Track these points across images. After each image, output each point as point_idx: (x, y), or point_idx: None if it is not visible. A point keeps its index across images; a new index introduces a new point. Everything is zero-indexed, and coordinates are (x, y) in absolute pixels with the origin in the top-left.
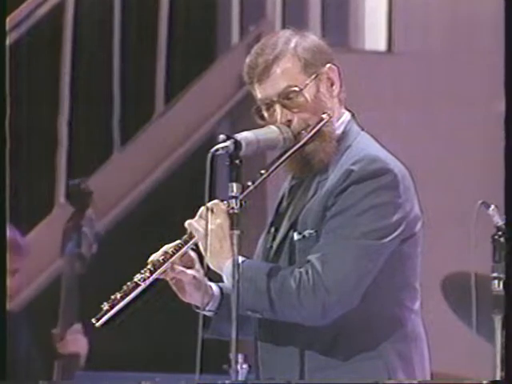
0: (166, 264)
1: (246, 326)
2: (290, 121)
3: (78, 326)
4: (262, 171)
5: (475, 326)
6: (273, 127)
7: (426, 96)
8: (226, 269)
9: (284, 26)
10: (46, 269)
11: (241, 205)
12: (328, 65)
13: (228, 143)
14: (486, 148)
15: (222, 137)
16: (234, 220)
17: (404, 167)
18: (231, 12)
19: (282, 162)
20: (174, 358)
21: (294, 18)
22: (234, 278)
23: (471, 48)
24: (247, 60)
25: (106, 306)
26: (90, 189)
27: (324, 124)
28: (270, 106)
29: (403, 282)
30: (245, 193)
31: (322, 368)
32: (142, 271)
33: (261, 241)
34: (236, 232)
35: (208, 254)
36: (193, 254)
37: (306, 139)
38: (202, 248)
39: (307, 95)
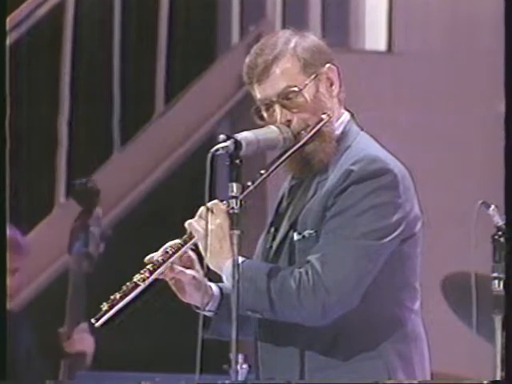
0: (165, 264)
1: (246, 326)
2: (289, 121)
3: (84, 325)
4: (262, 171)
5: (475, 326)
6: (273, 127)
7: (425, 96)
8: (225, 269)
9: (284, 26)
10: (46, 268)
11: (241, 205)
12: (327, 65)
13: (228, 143)
14: (485, 148)
15: (222, 137)
16: (233, 220)
17: (404, 167)
18: (231, 12)
19: (281, 162)
20: (173, 358)
21: (294, 18)
22: (233, 278)
23: (471, 48)
24: (247, 60)
25: (105, 307)
26: (97, 188)
27: (324, 124)
28: (269, 106)
29: (403, 282)
30: (245, 193)
31: (322, 368)
32: (142, 271)
33: (261, 241)
34: (236, 232)
35: (208, 254)
36: (192, 254)
37: (305, 139)
38: (201, 248)
39: (307, 95)
